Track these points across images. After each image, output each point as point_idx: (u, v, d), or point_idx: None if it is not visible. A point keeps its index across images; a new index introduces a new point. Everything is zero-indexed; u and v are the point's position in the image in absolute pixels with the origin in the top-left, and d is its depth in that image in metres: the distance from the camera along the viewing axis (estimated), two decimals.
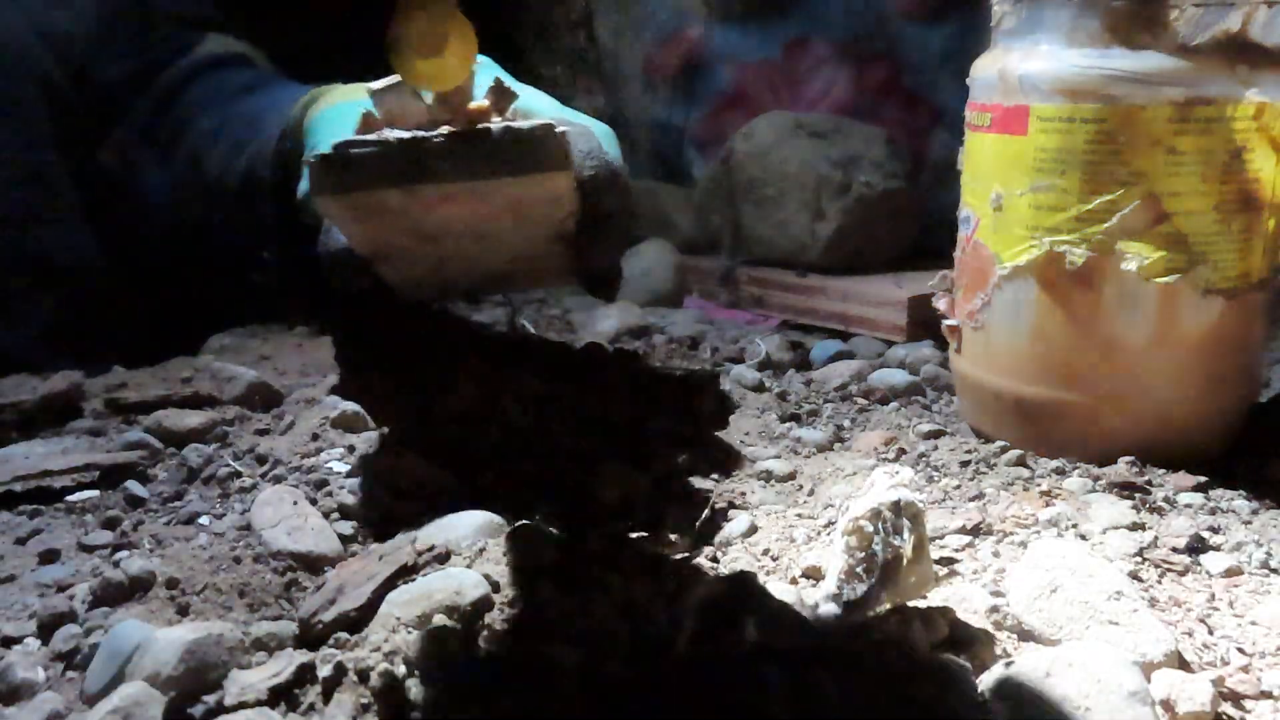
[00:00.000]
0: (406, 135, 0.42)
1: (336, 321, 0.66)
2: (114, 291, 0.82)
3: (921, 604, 0.39)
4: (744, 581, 0.36)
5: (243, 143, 0.74)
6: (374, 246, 0.49)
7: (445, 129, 0.42)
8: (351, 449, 0.54)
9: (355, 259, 0.51)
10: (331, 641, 0.37)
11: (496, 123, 0.43)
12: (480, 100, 0.45)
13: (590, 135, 0.51)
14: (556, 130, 0.43)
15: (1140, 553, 0.45)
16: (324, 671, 0.34)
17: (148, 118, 0.82)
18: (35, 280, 0.78)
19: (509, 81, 0.47)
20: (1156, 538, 0.46)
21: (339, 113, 0.60)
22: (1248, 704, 0.36)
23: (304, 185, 0.56)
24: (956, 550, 0.45)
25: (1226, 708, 0.35)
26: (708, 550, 0.46)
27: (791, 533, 0.47)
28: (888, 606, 0.37)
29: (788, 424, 0.63)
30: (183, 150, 0.79)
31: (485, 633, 0.37)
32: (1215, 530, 0.47)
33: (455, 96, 0.44)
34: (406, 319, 0.59)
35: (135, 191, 0.81)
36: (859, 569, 0.37)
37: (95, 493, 0.52)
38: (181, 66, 0.82)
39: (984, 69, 0.57)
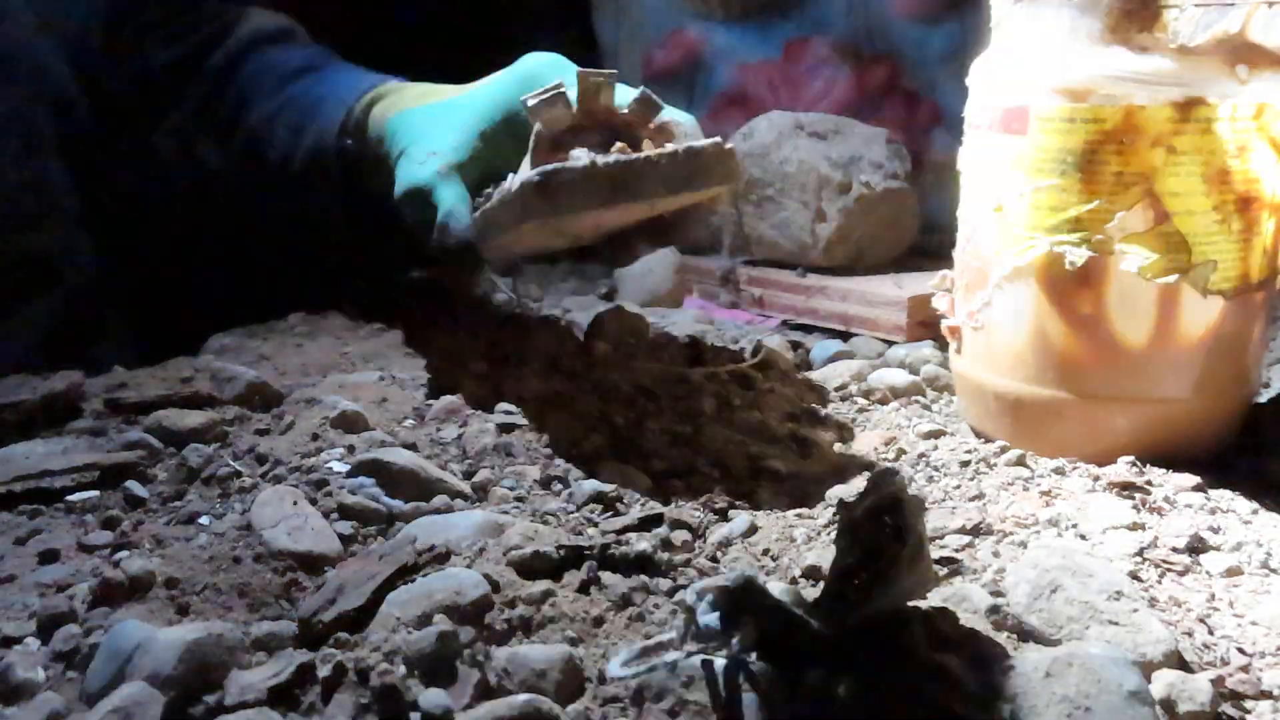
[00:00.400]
0: (611, 160, 0.47)
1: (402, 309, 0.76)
2: (115, 296, 0.82)
3: (921, 604, 0.39)
4: (744, 581, 0.36)
5: (302, 127, 0.75)
6: (522, 248, 0.56)
7: (640, 151, 0.49)
8: (351, 449, 0.54)
9: (472, 251, 0.58)
10: (331, 641, 0.37)
11: (678, 144, 0.50)
12: (624, 109, 0.53)
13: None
14: (726, 146, 0.50)
15: (1140, 553, 0.45)
16: (324, 671, 0.34)
17: (201, 101, 0.82)
18: (37, 285, 0.78)
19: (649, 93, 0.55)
20: (1156, 538, 0.46)
21: (430, 118, 0.65)
22: (1248, 704, 0.36)
23: (405, 183, 0.64)
24: (956, 550, 0.45)
25: (1226, 708, 0.35)
26: (708, 550, 0.46)
27: (791, 533, 0.47)
28: (888, 606, 0.37)
29: (788, 424, 0.63)
30: (241, 132, 0.80)
31: (486, 633, 0.37)
32: (1215, 530, 0.47)
33: (597, 104, 0.50)
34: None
35: (194, 174, 0.82)
36: (859, 569, 0.37)
37: (95, 493, 0.52)
38: (230, 47, 0.83)
39: (984, 69, 0.57)
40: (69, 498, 0.51)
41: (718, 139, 0.49)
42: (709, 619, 0.35)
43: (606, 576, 0.41)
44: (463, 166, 0.64)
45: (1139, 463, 0.53)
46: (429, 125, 0.66)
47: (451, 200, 0.62)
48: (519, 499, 0.51)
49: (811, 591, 0.40)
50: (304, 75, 0.80)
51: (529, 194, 0.48)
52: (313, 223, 0.78)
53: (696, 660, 0.34)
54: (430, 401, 0.63)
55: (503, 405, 0.61)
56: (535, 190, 0.47)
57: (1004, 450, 0.56)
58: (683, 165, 0.49)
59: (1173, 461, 0.54)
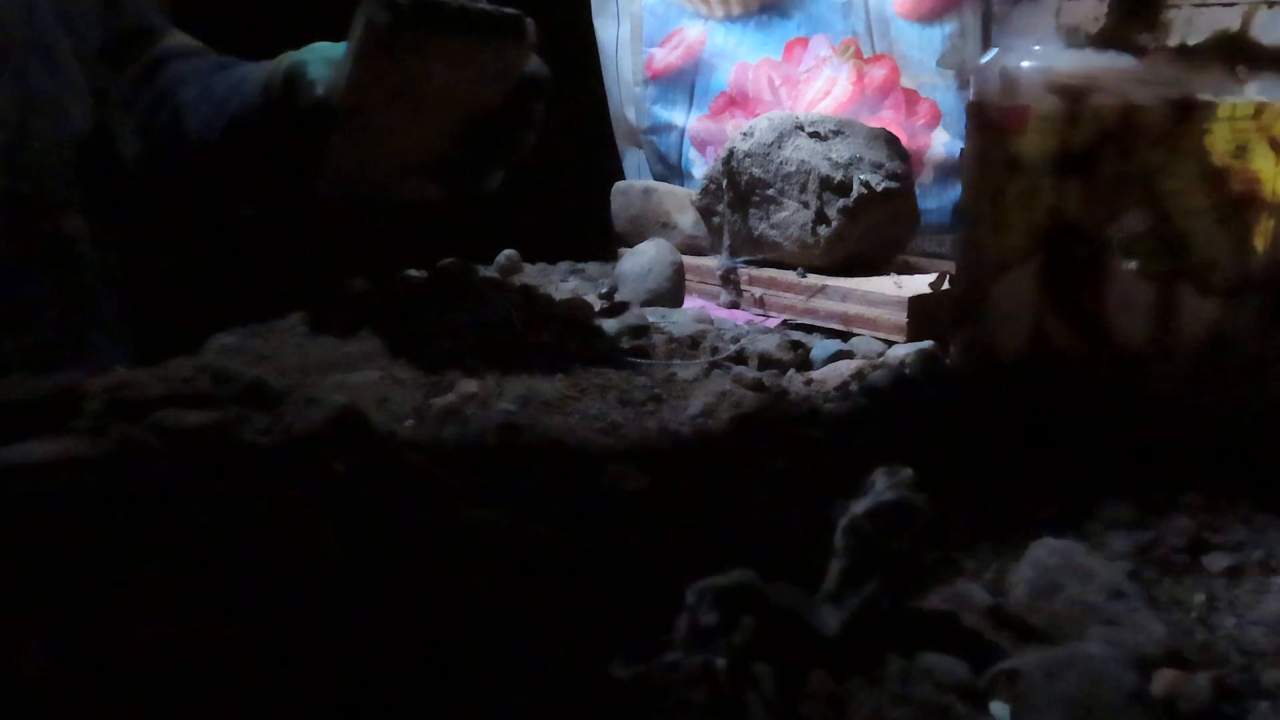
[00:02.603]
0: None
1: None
2: (125, 290, 0.83)
3: (921, 604, 0.39)
4: (744, 581, 0.36)
5: (226, 103, 0.77)
6: (363, 97, 0.64)
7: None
8: None
9: (327, 112, 0.66)
10: None
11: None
12: None
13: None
14: (527, 19, 0.63)
15: (1140, 552, 0.45)
16: None
17: (128, 91, 0.84)
18: (49, 277, 0.78)
19: None
20: (1156, 537, 0.46)
21: (326, 46, 0.71)
22: (1248, 704, 0.36)
23: (284, 66, 0.71)
24: (956, 550, 0.45)
25: (1226, 707, 0.35)
26: None
27: None
28: (888, 607, 0.37)
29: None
30: (163, 118, 0.83)
31: None
32: (1215, 530, 0.47)
33: None
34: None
35: (116, 159, 0.84)
36: (859, 569, 0.37)
37: None
38: (153, 52, 0.86)
39: (984, 68, 0.57)
40: None
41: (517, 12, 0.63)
42: (709, 619, 0.35)
43: None
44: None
45: (1139, 463, 0.53)
46: (318, 50, 0.72)
47: (317, 70, 0.69)
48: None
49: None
50: (226, 68, 0.83)
51: (379, 26, 0.59)
52: (231, 186, 0.80)
53: (696, 660, 0.34)
54: (430, 401, 0.63)
55: (503, 405, 0.61)
56: (387, 22, 0.59)
57: None
58: (492, 21, 0.62)
59: (1172, 461, 0.54)
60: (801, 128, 0.92)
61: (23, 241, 0.75)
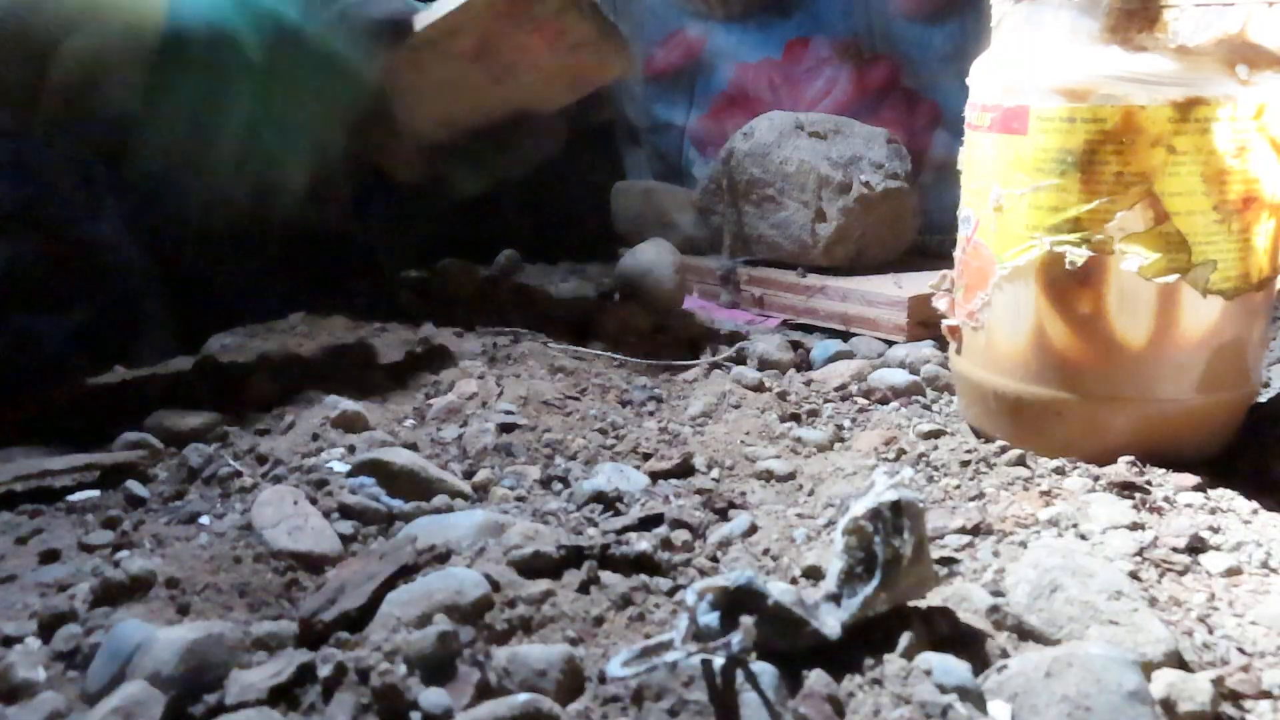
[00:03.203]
0: None
1: None
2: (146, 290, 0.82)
3: (921, 604, 0.39)
4: (744, 582, 0.36)
5: None
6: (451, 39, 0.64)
7: None
8: (352, 449, 0.54)
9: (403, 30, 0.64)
10: (332, 641, 0.37)
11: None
12: None
13: None
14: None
15: (1140, 552, 0.45)
16: (324, 671, 0.34)
17: None
18: (76, 279, 0.77)
19: None
20: (1156, 537, 0.46)
21: None
22: (1247, 704, 0.36)
23: None
24: (956, 550, 0.45)
25: (1226, 708, 0.35)
26: (708, 550, 0.46)
27: (791, 533, 0.47)
28: (888, 607, 0.37)
29: (788, 424, 0.63)
30: None
31: (486, 633, 0.37)
32: (1215, 530, 0.47)
33: None
34: None
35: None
36: (859, 569, 0.37)
37: (96, 492, 0.52)
38: None
39: (984, 69, 0.57)
40: (70, 497, 0.51)
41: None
42: (709, 619, 0.35)
43: (606, 576, 0.41)
44: None
45: (1139, 463, 0.53)
46: None
47: None
48: (519, 499, 0.51)
49: (811, 591, 0.40)
50: None
51: None
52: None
53: (696, 660, 0.34)
54: (430, 401, 0.63)
55: (503, 405, 0.61)
56: None
57: (1004, 450, 0.56)
58: (601, 22, 0.64)
59: (1173, 461, 0.54)
60: (801, 128, 0.92)
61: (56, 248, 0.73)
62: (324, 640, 0.37)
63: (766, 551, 0.46)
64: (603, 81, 0.68)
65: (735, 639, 0.34)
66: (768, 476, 0.55)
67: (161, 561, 0.43)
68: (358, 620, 0.38)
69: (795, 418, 0.64)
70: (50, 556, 0.45)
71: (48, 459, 0.53)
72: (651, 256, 0.90)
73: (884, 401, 0.68)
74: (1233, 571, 0.44)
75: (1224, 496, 0.51)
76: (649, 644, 0.35)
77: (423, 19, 0.65)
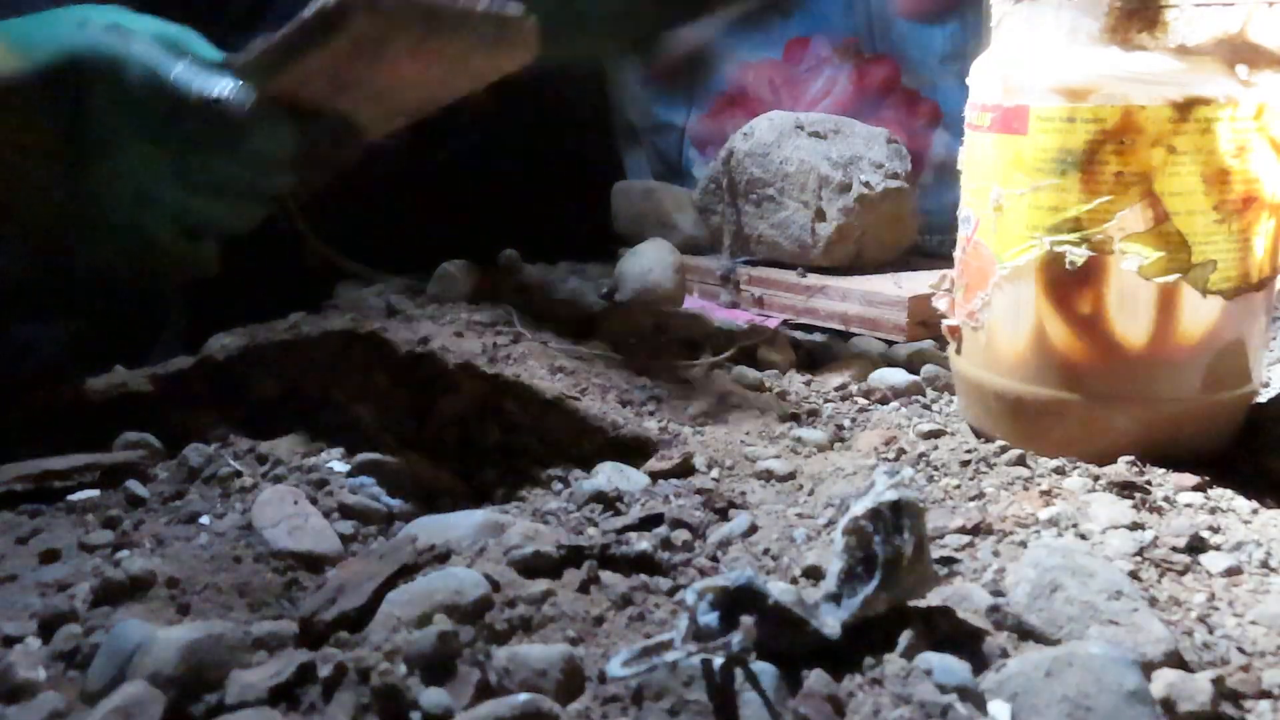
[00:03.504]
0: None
1: None
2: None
3: (921, 604, 0.39)
4: (744, 582, 0.36)
5: None
6: (325, 80, 0.53)
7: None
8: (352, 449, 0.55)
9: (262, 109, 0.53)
10: (332, 641, 0.37)
11: (488, 6, 0.52)
12: None
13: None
14: (528, 21, 0.53)
15: (1140, 552, 0.45)
16: (324, 671, 0.34)
17: None
18: (70, 283, 0.77)
19: None
20: (1156, 537, 0.46)
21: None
22: (1247, 704, 0.36)
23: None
24: (956, 550, 0.45)
25: (1226, 707, 0.35)
26: (708, 550, 0.46)
27: (791, 533, 0.47)
28: (888, 607, 0.37)
29: (788, 424, 0.63)
30: None
31: (486, 632, 0.37)
32: (1215, 530, 0.47)
33: None
34: None
35: None
36: (859, 569, 0.37)
37: (96, 492, 0.52)
38: None
39: (984, 69, 0.57)
40: (70, 497, 0.51)
41: (523, 10, 0.53)
42: (709, 619, 0.35)
43: (607, 576, 0.41)
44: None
45: (1139, 462, 0.53)
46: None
47: (171, 57, 0.53)
48: (519, 498, 0.51)
49: (811, 591, 0.40)
50: None
51: (341, 13, 0.47)
52: None
53: (696, 660, 0.34)
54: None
55: (503, 405, 0.61)
56: (345, 11, 0.47)
57: (1004, 450, 0.56)
58: (493, 24, 0.52)
59: (1173, 461, 0.54)
60: (801, 127, 0.92)
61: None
62: (324, 640, 0.37)
63: (766, 551, 0.46)
64: (506, 72, 0.56)
65: (735, 639, 0.34)
66: (768, 476, 0.55)
67: (161, 561, 0.43)
68: (358, 620, 0.38)
69: (795, 417, 0.64)
70: (50, 556, 0.45)
71: (48, 459, 0.53)
72: (651, 256, 0.90)
73: (884, 401, 0.68)
74: (1233, 571, 0.44)
75: (1224, 496, 0.51)
76: (649, 644, 0.35)
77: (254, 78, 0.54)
